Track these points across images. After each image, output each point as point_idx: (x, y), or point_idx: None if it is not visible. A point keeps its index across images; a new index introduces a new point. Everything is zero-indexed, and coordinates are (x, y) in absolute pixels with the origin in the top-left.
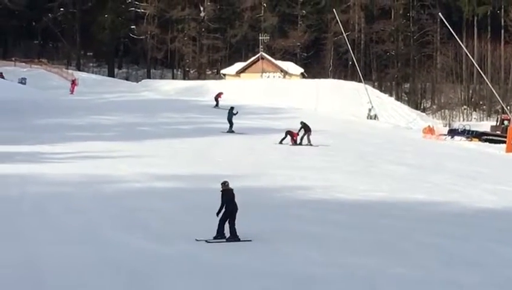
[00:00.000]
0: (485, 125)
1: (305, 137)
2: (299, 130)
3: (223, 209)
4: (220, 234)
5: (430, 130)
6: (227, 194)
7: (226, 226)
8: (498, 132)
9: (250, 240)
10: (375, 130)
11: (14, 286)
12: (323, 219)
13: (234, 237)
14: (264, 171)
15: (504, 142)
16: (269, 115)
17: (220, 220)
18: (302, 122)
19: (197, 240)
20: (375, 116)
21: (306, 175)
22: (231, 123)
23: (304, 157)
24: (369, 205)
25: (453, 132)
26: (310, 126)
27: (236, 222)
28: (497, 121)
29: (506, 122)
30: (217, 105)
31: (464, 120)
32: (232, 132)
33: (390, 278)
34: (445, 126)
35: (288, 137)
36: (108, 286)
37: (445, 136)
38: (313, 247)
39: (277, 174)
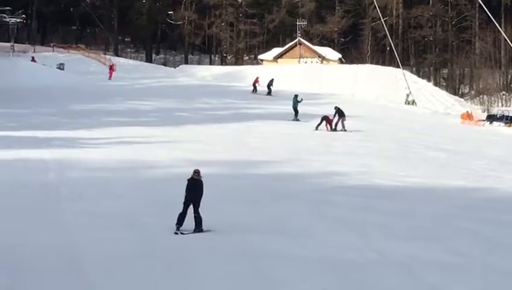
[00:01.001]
0: None
1: (340, 122)
2: (334, 116)
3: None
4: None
5: (468, 116)
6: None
7: (189, 213)
8: None
9: (209, 230)
10: (412, 115)
11: (54, 272)
12: (360, 205)
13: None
14: (300, 157)
15: None
16: (306, 101)
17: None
18: (336, 108)
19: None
20: (413, 102)
21: (343, 161)
22: (296, 111)
23: (341, 143)
24: (407, 191)
25: (491, 118)
26: (345, 112)
27: (235, 209)
28: None
29: None
30: (254, 90)
31: (502, 106)
32: (298, 120)
33: (428, 264)
34: (484, 112)
35: (324, 122)
36: (147, 271)
37: (483, 122)
38: (350, 233)
39: (314, 160)
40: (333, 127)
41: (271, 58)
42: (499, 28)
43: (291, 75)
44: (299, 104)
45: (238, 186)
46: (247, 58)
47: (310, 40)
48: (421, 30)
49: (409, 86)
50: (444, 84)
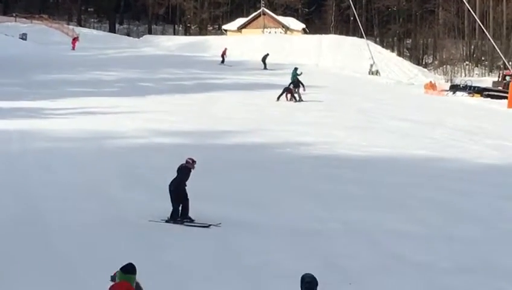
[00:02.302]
0: (487, 81)
1: (296, 93)
2: (290, 85)
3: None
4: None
5: (431, 86)
6: None
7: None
8: (500, 88)
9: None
10: (376, 86)
11: (18, 242)
12: (325, 175)
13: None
14: (266, 127)
15: (506, 97)
16: (271, 71)
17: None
18: (295, 77)
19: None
20: (377, 72)
21: (308, 131)
22: (297, 84)
23: (305, 114)
24: (371, 161)
25: (454, 88)
26: (309, 82)
27: (202, 180)
28: (499, 77)
29: (508, 78)
30: (223, 62)
31: (465, 76)
32: (304, 90)
33: (392, 234)
34: (447, 82)
35: (285, 93)
36: (113, 241)
37: (446, 92)
38: (315, 202)
39: (279, 130)
40: (297, 98)
41: (235, 28)
42: None
43: (255, 45)
44: (298, 77)
45: (204, 157)
46: (211, 28)
47: (274, 11)
48: (385, 0)
49: (372, 56)
50: (408, 54)
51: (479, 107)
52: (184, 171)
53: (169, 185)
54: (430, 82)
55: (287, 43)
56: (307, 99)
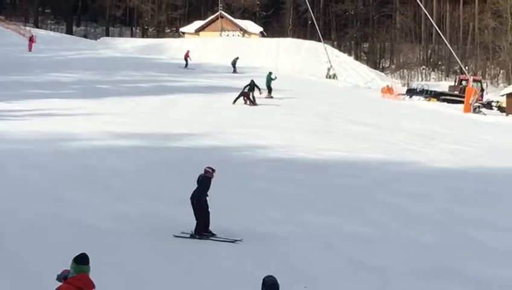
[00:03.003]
0: (443, 85)
1: (251, 95)
2: (245, 88)
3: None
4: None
5: (388, 90)
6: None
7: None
8: (456, 92)
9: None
10: (334, 89)
11: None
12: (282, 178)
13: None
14: (223, 130)
15: (462, 102)
16: (228, 74)
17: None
18: (251, 81)
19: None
20: (334, 76)
21: (266, 134)
22: (270, 88)
23: (263, 117)
24: (328, 164)
25: (411, 92)
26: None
27: (158, 182)
28: (455, 81)
29: (464, 82)
30: (186, 65)
31: (422, 80)
32: (271, 97)
33: (348, 237)
34: (404, 86)
35: (242, 97)
36: (67, 244)
37: (403, 96)
38: (273, 206)
39: (236, 133)
40: (252, 100)
41: (192, 31)
42: (419, 3)
43: (213, 48)
44: (272, 81)
45: (161, 159)
46: (168, 31)
47: (232, 13)
48: (343, 4)
49: (330, 59)
50: (365, 58)
51: (436, 111)
52: (204, 181)
53: (191, 198)
54: (387, 86)
55: (244, 46)
56: (265, 103)
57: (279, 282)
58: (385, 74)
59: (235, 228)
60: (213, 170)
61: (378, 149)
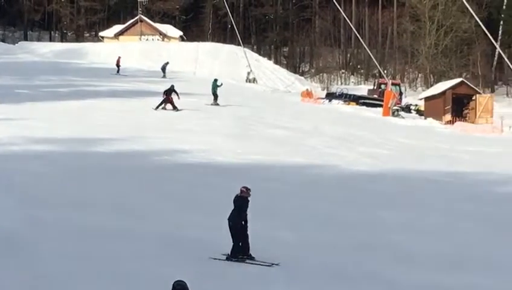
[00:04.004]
0: (363, 89)
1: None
2: (165, 92)
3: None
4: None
5: (308, 94)
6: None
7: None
8: (375, 96)
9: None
10: (254, 93)
11: None
12: (202, 182)
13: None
14: (143, 134)
15: (381, 105)
16: (148, 78)
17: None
18: (171, 86)
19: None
20: (254, 80)
21: (185, 138)
22: (216, 95)
23: (183, 121)
24: (248, 168)
25: (330, 96)
26: (186, 90)
27: (76, 187)
28: (374, 85)
29: (383, 86)
30: (118, 71)
31: (341, 84)
32: (217, 104)
33: (264, 240)
34: (323, 90)
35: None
36: None
37: (323, 100)
38: (193, 210)
39: (156, 137)
40: (175, 105)
41: (112, 35)
42: (338, 7)
43: (132, 52)
44: (218, 88)
45: (80, 165)
46: (87, 35)
47: (151, 18)
48: (262, 8)
49: (250, 64)
50: (285, 62)
51: (355, 115)
52: (239, 202)
53: (228, 220)
54: (307, 90)
55: (164, 50)
56: (184, 107)
57: (197, 287)
58: (305, 77)
59: (155, 232)
60: (248, 189)
61: (297, 153)
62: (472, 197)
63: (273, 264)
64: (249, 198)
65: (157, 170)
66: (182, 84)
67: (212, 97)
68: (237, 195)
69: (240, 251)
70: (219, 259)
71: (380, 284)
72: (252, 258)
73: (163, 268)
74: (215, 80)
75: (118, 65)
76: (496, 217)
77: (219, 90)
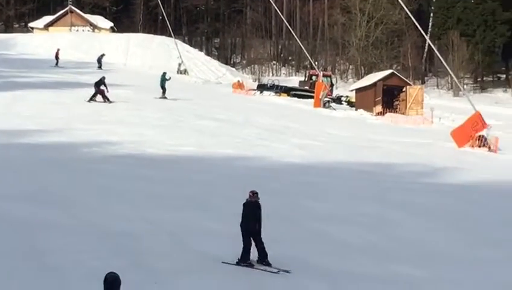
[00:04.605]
0: (294, 80)
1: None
2: (96, 84)
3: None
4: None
5: (239, 85)
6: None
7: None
8: (306, 87)
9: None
10: (185, 84)
11: None
12: (132, 174)
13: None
14: (73, 126)
15: (312, 97)
16: (78, 70)
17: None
18: (102, 77)
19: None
20: (185, 71)
21: (115, 130)
22: (164, 89)
23: (113, 112)
24: (179, 160)
25: (262, 87)
26: (116, 81)
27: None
28: (305, 77)
29: (314, 77)
30: (57, 64)
31: (273, 75)
32: (165, 97)
33: (198, 233)
34: (255, 81)
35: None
36: None
37: (254, 91)
38: (122, 202)
39: (86, 129)
40: (107, 97)
41: (42, 26)
42: None
43: (63, 43)
44: (166, 82)
45: (7, 156)
46: (17, 26)
47: (82, 9)
48: None
49: (181, 55)
50: (216, 53)
51: (286, 106)
52: (247, 207)
53: (240, 225)
54: (238, 81)
55: (95, 41)
56: (115, 99)
57: (128, 279)
58: (236, 69)
59: (83, 222)
60: (254, 193)
61: (228, 144)
62: (402, 188)
63: (280, 271)
64: (260, 201)
65: (87, 162)
66: (112, 75)
67: (161, 91)
68: (247, 199)
69: (249, 258)
70: (229, 263)
71: (312, 274)
72: (252, 266)
73: (94, 261)
74: (164, 74)
75: (56, 57)
76: (426, 207)
77: (167, 84)
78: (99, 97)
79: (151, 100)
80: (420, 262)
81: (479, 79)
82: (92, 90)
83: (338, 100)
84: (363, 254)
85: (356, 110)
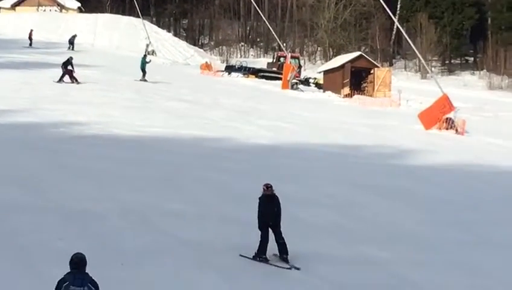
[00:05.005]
0: (262, 62)
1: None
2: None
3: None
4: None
5: (207, 67)
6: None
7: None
8: (274, 69)
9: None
10: (153, 66)
11: None
12: (99, 155)
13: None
14: (39, 106)
15: (280, 78)
16: (46, 50)
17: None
18: (70, 57)
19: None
20: (153, 52)
21: (83, 111)
22: (144, 72)
23: (80, 93)
24: (146, 141)
25: (230, 69)
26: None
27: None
28: (273, 58)
29: (282, 59)
30: (31, 44)
31: (241, 57)
32: (145, 80)
33: (165, 213)
34: (223, 62)
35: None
36: None
37: (222, 73)
38: (89, 182)
39: (53, 109)
40: (75, 78)
41: (8, 6)
42: None
43: (30, 23)
44: (147, 64)
45: None
46: None
47: None
48: None
49: (149, 36)
50: (184, 34)
51: (254, 88)
52: (263, 200)
53: (258, 218)
54: (206, 63)
55: (62, 22)
56: (82, 80)
57: (94, 259)
58: (204, 50)
59: (48, 203)
60: (267, 187)
61: (196, 125)
62: (370, 170)
63: (292, 267)
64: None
65: (53, 142)
66: (80, 55)
67: (141, 73)
68: (262, 194)
69: (264, 251)
70: (247, 257)
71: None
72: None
73: (61, 242)
74: (144, 56)
75: (30, 38)
76: (393, 189)
77: (147, 67)
78: (67, 78)
79: (119, 81)
80: (387, 244)
81: (446, 62)
82: (60, 71)
83: (306, 82)
84: (330, 235)
85: (324, 92)
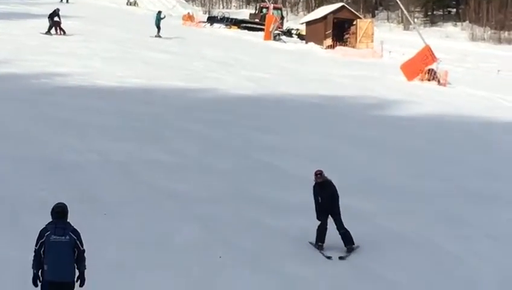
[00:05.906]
0: (244, 13)
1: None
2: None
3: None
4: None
5: (189, 17)
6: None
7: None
8: (257, 20)
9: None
10: (135, 16)
11: None
12: (81, 106)
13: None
14: (21, 57)
15: (262, 30)
16: (29, 1)
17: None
18: (56, 9)
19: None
20: (135, 3)
21: (65, 62)
22: (159, 28)
23: (62, 44)
24: (128, 92)
25: (212, 19)
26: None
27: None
28: (255, 9)
29: (264, 10)
30: None
31: (223, 8)
32: (160, 36)
33: (148, 164)
34: (205, 13)
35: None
36: None
37: (204, 24)
38: (72, 134)
39: (35, 60)
40: (62, 29)
41: None
42: None
43: None
44: (161, 20)
45: None
46: None
47: None
48: None
49: None
50: None
51: (236, 39)
52: (317, 188)
53: (315, 207)
54: (188, 13)
55: None
56: (70, 33)
57: (76, 210)
58: (186, 1)
59: (33, 156)
60: (318, 174)
61: (178, 76)
62: (352, 121)
63: (330, 257)
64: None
65: (36, 93)
66: (62, 6)
67: (156, 29)
68: (315, 182)
69: (321, 239)
70: (312, 244)
71: (250, 203)
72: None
73: (43, 192)
74: (159, 12)
75: None
76: (375, 140)
77: (162, 23)
78: (54, 30)
79: (101, 32)
80: (368, 195)
81: (429, 13)
82: (46, 23)
83: (288, 33)
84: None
85: (306, 43)
